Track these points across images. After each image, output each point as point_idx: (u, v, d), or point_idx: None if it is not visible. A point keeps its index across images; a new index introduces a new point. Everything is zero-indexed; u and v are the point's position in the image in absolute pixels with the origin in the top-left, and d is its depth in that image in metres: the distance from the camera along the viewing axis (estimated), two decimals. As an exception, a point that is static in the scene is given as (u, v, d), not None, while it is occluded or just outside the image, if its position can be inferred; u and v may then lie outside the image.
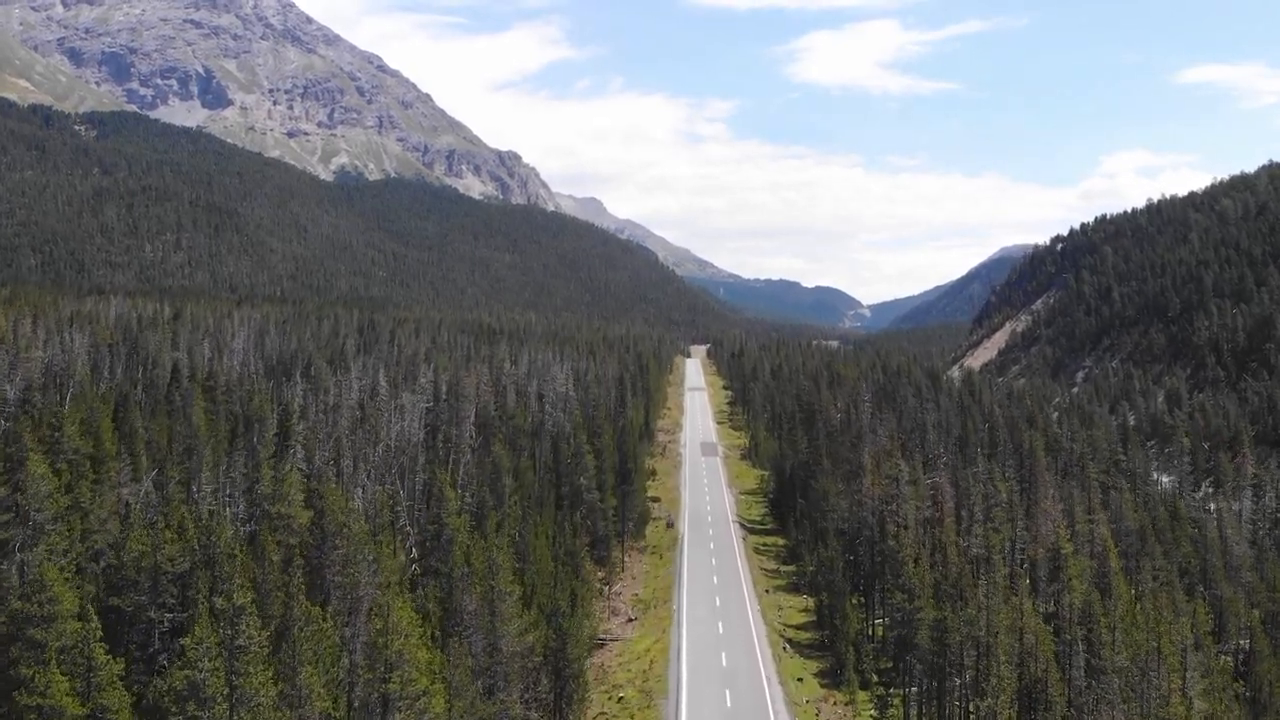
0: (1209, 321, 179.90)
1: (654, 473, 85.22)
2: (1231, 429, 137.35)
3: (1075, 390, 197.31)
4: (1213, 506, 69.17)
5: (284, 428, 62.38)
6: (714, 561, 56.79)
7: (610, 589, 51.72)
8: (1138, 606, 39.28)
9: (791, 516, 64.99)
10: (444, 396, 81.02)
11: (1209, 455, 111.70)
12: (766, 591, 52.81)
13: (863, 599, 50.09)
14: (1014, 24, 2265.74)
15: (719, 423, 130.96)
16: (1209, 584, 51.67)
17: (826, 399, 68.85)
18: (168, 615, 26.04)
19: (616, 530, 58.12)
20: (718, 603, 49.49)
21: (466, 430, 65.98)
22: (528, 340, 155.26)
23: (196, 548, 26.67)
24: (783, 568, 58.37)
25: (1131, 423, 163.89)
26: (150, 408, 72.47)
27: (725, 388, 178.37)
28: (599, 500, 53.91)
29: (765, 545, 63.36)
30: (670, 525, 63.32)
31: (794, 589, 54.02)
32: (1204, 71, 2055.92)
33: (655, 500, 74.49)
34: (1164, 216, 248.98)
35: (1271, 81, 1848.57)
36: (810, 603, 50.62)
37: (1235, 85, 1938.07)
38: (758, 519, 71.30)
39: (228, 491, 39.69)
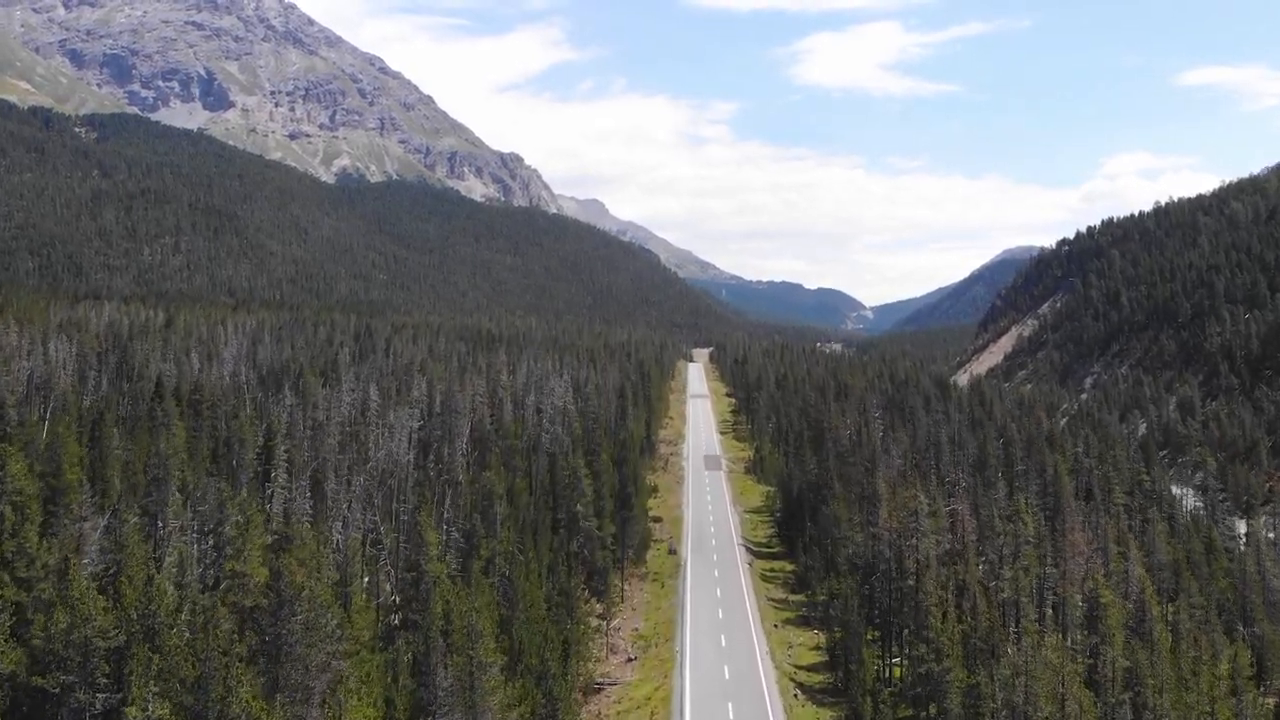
0: (1221, 328, 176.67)
1: (655, 489, 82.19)
2: (1248, 439, 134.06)
3: (1084, 397, 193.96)
4: (1242, 530, 65.99)
5: (268, 448, 59.52)
6: (719, 591, 53.75)
7: (609, 624, 48.73)
8: (1189, 665, 36.06)
9: (800, 540, 61.97)
10: (437, 412, 78.13)
11: (1225, 468, 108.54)
12: (775, 626, 49.75)
13: (878, 633, 47.03)
14: (1015, 26, 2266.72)
15: (722, 433, 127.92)
16: (1247, 620, 48.59)
17: (835, 418, 65.83)
18: (99, 696, 23.17)
19: (615, 558, 55.14)
20: (723, 641, 46.40)
21: (459, 448, 63.07)
22: (527, 347, 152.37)
23: (134, 617, 23.79)
24: (791, 597, 55.31)
25: (1143, 431, 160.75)
26: (131, 425, 69.59)
27: (728, 395, 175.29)
28: (596, 528, 50.98)
29: (772, 571, 60.30)
30: (673, 552, 60.31)
31: (804, 622, 50.94)
32: (1205, 73, 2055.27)
33: (657, 520, 71.46)
34: (1172, 220, 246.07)
35: (1273, 84, 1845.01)
36: (822, 638, 47.58)
37: (1237, 87, 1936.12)
38: (764, 541, 68.26)
39: (195, 527, 36.79)
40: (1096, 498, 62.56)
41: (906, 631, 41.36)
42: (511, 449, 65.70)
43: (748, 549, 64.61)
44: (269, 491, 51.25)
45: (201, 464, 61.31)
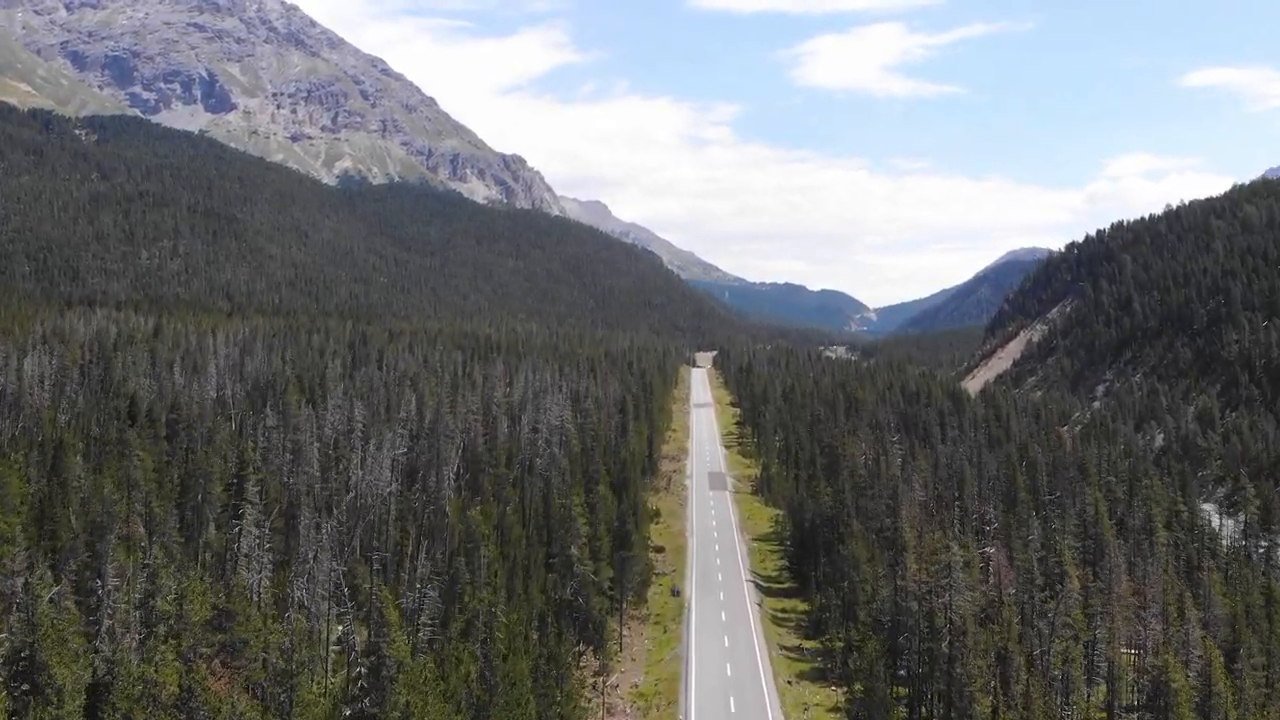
0: (1239, 335, 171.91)
1: (658, 514, 77.80)
2: (1271, 454, 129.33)
3: (1096, 405, 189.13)
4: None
5: (239, 478, 55.28)
6: (726, 640, 49.30)
7: (605, 681, 44.44)
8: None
9: (813, 575, 57.62)
10: (427, 431, 73.93)
11: (1259, 487, 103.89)
12: (789, 682, 45.39)
13: (904, 690, 42.63)
14: (1019, 27, 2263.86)
15: (727, 446, 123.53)
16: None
17: (849, 444, 61.46)
18: None
19: (613, 602, 50.85)
20: (732, 705, 41.96)
21: (447, 477, 58.89)
22: (526, 356, 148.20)
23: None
24: (805, 644, 50.89)
25: (1160, 442, 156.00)
26: (100, 449, 65.51)
27: (732, 404, 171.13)
28: (593, 572, 46.67)
29: (784, 613, 55.86)
30: (676, 593, 55.90)
31: (820, 676, 46.55)
32: (1209, 74, 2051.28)
33: (659, 550, 67.10)
34: (1183, 223, 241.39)
35: (1277, 85, 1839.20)
36: (840, 697, 43.25)
37: (1241, 88, 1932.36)
38: (774, 575, 63.80)
39: (140, 584, 32.51)
40: (1133, 530, 58.05)
41: (939, 699, 37.03)
42: (501, 479, 61.51)
43: (756, 585, 60.16)
44: (236, 530, 47.00)
45: (169, 495, 57.21)
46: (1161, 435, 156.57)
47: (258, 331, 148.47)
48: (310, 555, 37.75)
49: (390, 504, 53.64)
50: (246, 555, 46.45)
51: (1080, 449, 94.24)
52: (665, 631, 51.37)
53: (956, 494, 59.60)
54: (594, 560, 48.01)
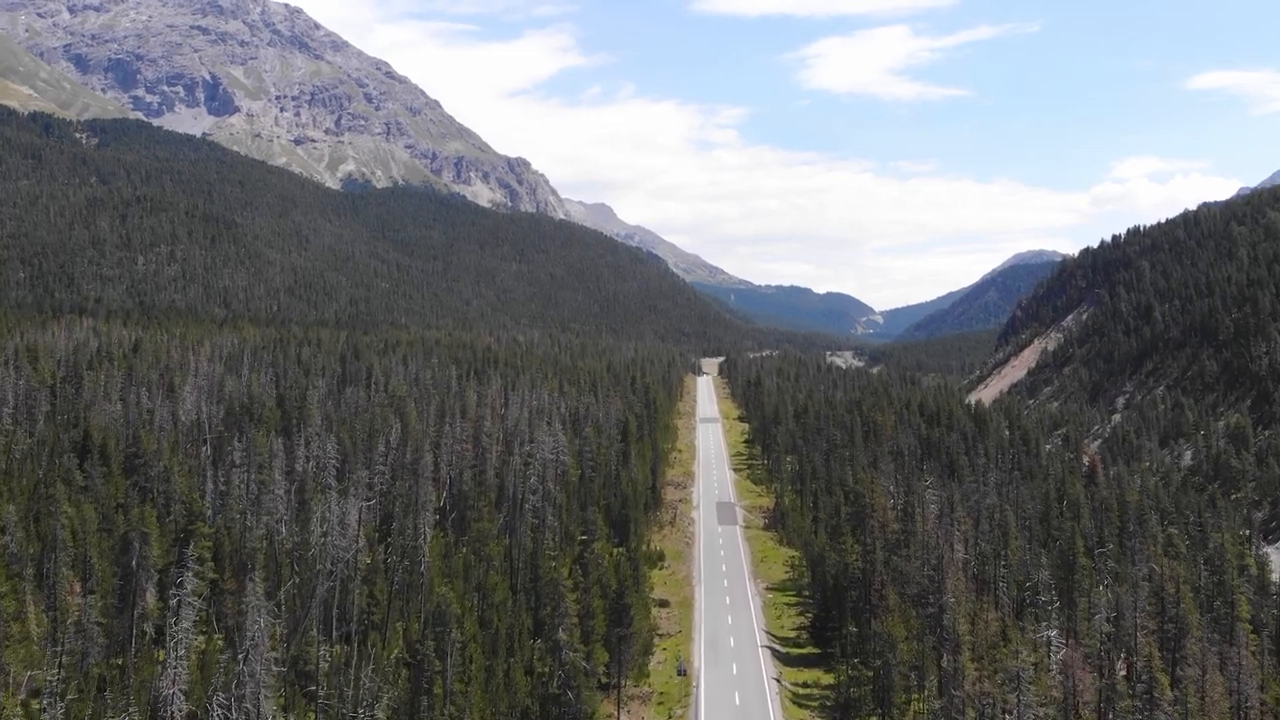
0: (1269, 348, 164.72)
1: (661, 556, 71.20)
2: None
3: (1117, 417, 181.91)
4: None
5: (186, 533, 48.95)
6: (741, 733, 42.59)
7: (599, 792, 37.96)
8: None
9: (838, 641, 51.03)
10: (407, 465, 67.64)
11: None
12: (815, 791, 38.94)
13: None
14: (1025, 30, 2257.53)
15: (736, 469, 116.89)
16: None
17: (876, 491, 54.94)
18: None
19: (610, 682, 44.35)
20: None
21: (424, 528, 52.56)
22: (525, 369, 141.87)
23: None
24: (831, 732, 44.31)
25: (1189, 460, 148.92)
26: (47, 492, 59.27)
27: (740, 419, 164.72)
28: (584, 658, 40.21)
29: (806, 689, 49.12)
30: (682, 673, 49.21)
31: (850, 778, 40.08)
32: (1215, 77, 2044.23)
33: (663, 605, 60.49)
34: (1203, 229, 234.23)
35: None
36: (876, 810, 36.73)
37: (1246, 91, 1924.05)
38: (792, 636, 57.03)
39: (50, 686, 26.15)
40: (1202, 588, 51.31)
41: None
42: (485, 533, 55.15)
43: (773, 652, 53.43)
44: (174, 601, 40.62)
45: (111, 551, 50.94)
46: (1190, 453, 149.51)
47: (246, 344, 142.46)
48: (245, 651, 31.36)
49: (356, 562, 47.32)
50: (188, 629, 40.09)
51: (1110, 470, 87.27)
52: (670, 718, 44.79)
53: (1001, 547, 52.91)
54: (586, 643, 41.52)
